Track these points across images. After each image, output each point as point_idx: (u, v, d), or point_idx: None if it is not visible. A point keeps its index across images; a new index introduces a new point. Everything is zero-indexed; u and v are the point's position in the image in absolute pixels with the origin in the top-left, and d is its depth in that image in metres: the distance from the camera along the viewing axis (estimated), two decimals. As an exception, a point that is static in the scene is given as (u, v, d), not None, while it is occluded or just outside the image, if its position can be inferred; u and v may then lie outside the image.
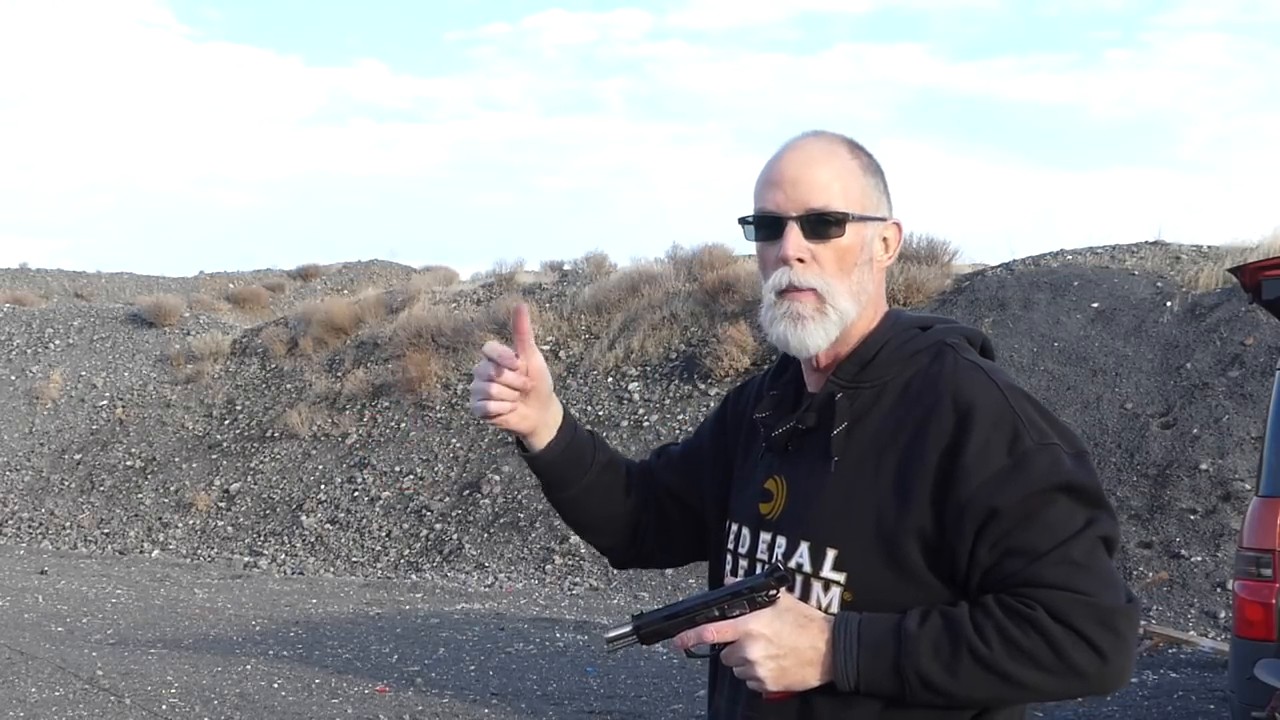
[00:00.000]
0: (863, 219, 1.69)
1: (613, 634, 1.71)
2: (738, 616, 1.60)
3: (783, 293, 1.69)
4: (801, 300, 1.67)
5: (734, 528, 1.82)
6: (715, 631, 1.60)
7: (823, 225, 1.66)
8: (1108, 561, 1.56)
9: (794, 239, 1.67)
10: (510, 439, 1.89)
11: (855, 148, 1.74)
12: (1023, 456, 1.55)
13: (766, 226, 1.70)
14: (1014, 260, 14.89)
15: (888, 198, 1.75)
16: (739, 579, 1.69)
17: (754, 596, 1.61)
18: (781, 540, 1.70)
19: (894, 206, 1.77)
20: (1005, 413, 1.59)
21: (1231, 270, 6.55)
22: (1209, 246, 14.05)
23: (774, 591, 1.61)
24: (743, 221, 1.74)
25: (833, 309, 1.68)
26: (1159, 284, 13.29)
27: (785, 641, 1.57)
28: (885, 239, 1.75)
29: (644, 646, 1.73)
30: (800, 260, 1.67)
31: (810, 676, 1.57)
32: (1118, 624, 1.52)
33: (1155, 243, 14.33)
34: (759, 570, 1.72)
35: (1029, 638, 1.50)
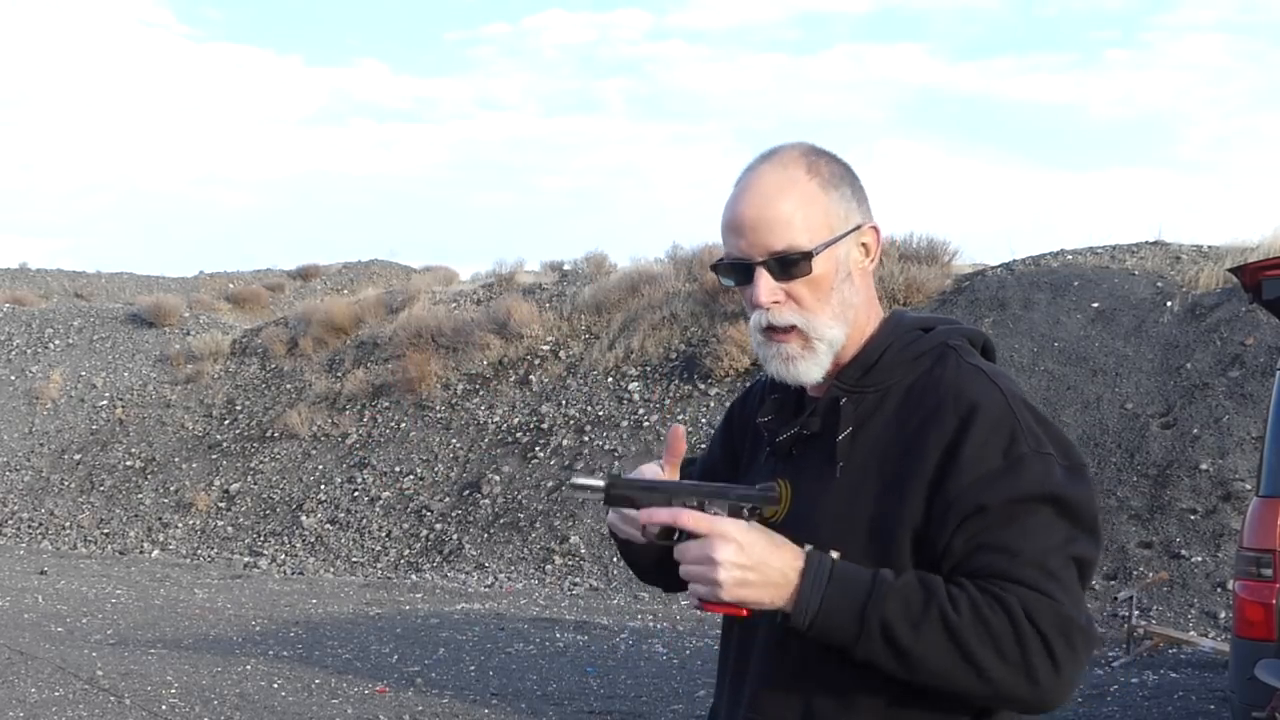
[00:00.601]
0: (831, 243, 1.66)
1: (581, 480, 1.61)
2: (715, 515, 1.55)
3: (765, 331, 1.69)
4: (787, 342, 1.67)
5: None
6: (691, 519, 1.54)
7: (789, 265, 1.65)
8: (1078, 582, 1.55)
9: (764, 284, 1.66)
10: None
11: (813, 163, 1.69)
12: (1017, 460, 1.56)
13: (737, 272, 1.69)
14: (1014, 260, 14.89)
15: (858, 201, 1.72)
16: (732, 485, 1.65)
17: (739, 504, 1.57)
18: None
19: (870, 206, 1.74)
20: (1006, 416, 1.59)
21: (1231, 270, 6.55)
22: (1209, 246, 14.05)
23: (758, 510, 1.58)
24: (714, 268, 1.73)
25: (819, 341, 1.67)
26: (1159, 284, 13.29)
27: (756, 555, 1.53)
28: (864, 244, 1.73)
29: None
30: (776, 301, 1.66)
31: (766, 598, 1.54)
32: (1076, 640, 1.50)
33: (1155, 243, 14.34)
34: None
35: (998, 618, 1.48)
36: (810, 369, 1.68)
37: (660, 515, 1.57)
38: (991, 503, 1.54)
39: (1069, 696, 1.54)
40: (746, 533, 1.54)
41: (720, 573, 1.52)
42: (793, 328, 1.67)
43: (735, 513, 1.57)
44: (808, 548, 1.56)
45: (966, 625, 1.48)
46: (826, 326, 1.67)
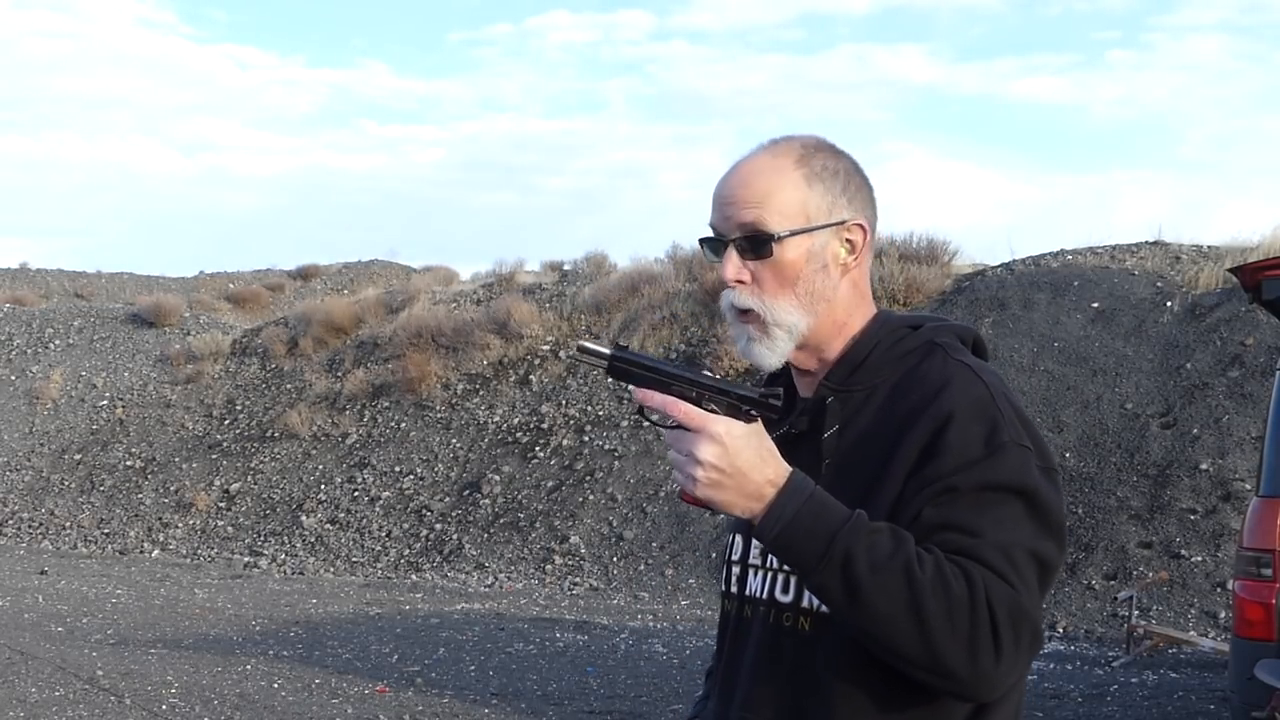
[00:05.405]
0: (802, 232, 1.66)
1: (589, 345, 1.59)
2: (710, 411, 1.52)
3: (733, 310, 1.70)
4: (749, 324, 1.69)
5: (730, 537, 1.83)
6: (682, 411, 1.52)
7: (756, 244, 1.67)
8: (1037, 581, 1.53)
9: (732, 260, 1.68)
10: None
11: (808, 155, 1.70)
12: (998, 448, 1.55)
13: (712, 246, 1.72)
14: (1014, 260, 14.89)
15: (848, 198, 1.71)
16: (736, 383, 1.62)
17: (738, 404, 1.54)
18: None
19: (866, 206, 1.74)
20: (989, 408, 1.59)
21: (1231, 270, 6.56)
22: (1209, 246, 14.05)
23: (754, 414, 1.54)
24: (700, 243, 1.75)
25: (776, 328, 1.68)
26: (1159, 284, 13.29)
27: (739, 461, 1.51)
28: (849, 240, 1.72)
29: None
30: (741, 281, 1.68)
31: (737, 506, 1.52)
32: (1024, 634, 1.48)
33: (1155, 243, 14.34)
34: (752, 568, 1.73)
35: (959, 585, 1.46)
36: (765, 354, 1.69)
37: (654, 399, 1.54)
38: (964, 485, 1.53)
39: (1000, 690, 1.51)
40: (736, 437, 1.51)
41: (698, 470, 1.51)
42: (751, 311, 1.68)
43: (734, 412, 1.53)
44: (793, 469, 1.55)
45: (927, 582, 1.46)
46: (785, 313, 1.67)
